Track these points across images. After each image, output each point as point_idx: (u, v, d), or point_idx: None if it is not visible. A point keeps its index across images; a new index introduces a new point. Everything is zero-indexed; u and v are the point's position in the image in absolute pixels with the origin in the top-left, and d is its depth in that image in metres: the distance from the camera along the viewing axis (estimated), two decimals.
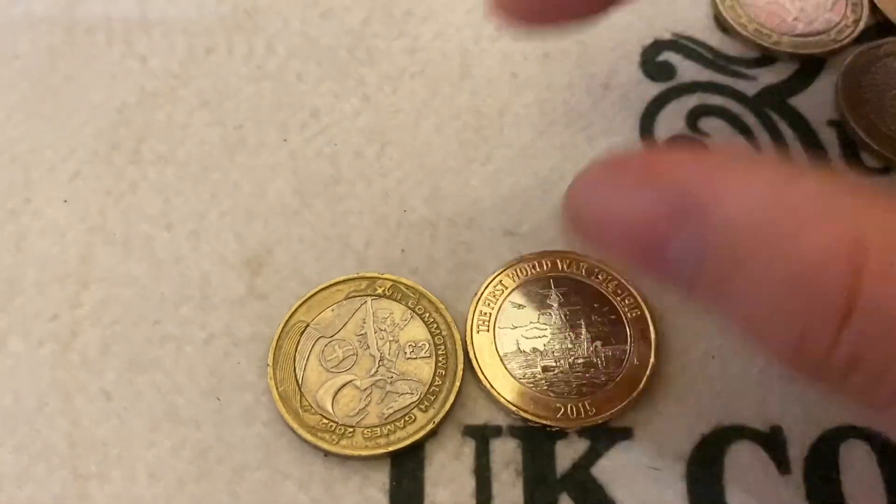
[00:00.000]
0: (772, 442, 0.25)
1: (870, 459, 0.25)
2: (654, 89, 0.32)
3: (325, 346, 0.25)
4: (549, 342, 0.26)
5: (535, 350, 0.26)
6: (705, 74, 0.32)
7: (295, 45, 0.32)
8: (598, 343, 0.26)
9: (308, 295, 0.26)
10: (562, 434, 0.25)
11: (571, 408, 0.25)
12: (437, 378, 0.25)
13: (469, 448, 0.25)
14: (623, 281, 0.27)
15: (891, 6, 0.33)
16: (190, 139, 0.30)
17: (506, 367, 0.25)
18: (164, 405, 0.25)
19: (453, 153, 0.30)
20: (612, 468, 0.24)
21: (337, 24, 0.33)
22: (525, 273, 0.27)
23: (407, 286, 0.26)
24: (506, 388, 0.25)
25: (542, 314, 0.26)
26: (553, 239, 0.28)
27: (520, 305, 0.26)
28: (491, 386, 0.25)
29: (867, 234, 0.16)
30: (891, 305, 0.16)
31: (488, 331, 0.26)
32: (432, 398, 0.25)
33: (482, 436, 0.25)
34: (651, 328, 0.26)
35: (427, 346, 0.25)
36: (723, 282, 0.18)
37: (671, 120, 0.31)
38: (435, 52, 0.32)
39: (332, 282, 0.27)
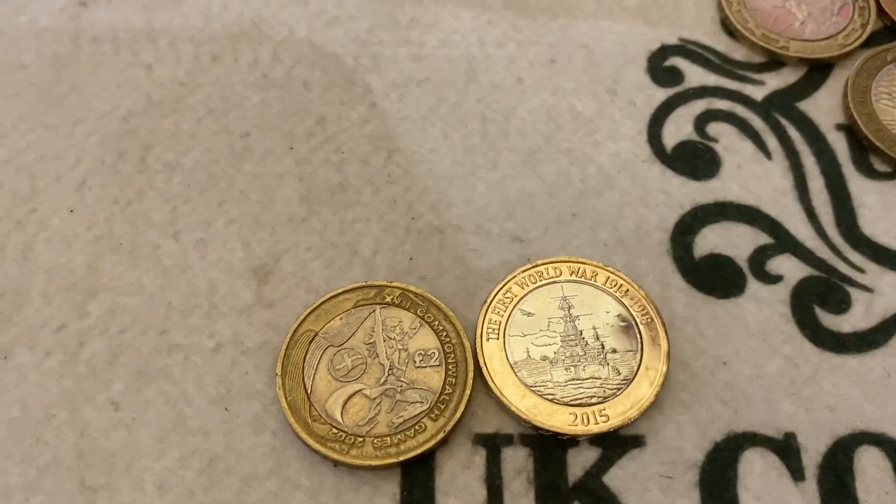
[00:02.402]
0: (785, 449, 0.25)
1: (885, 465, 0.24)
2: (661, 94, 0.32)
3: (334, 355, 0.25)
4: (559, 350, 0.25)
5: (545, 358, 0.25)
6: (713, 79, 0.32)
7: (301, 53, 0.32)
8: (609, 350, 0.25)
9: (316, 304, 0.26)
10: (573, 442, 0.25)
11: (583, 416, 0.24)
12: (447, 386, 0.25)
13: (480, 457, 0.25)
14: (633, 288, 0.26)
15: None
16: (196, 147, 0.30)
17: (516, 376, 0.25)
18: (173, 415, 0.25)
19: (460, 159, 0.30)
20: (624, 476, 0.24)
21: (342, 31, 0.33)
22: (534, 280, 0.27)
23: (416, 294, 0.26)
24: (516, 396, 0.25)
25: (552, 322, 0.26)
26: (562, 245, 0.28)
27: (529, 313, 0.26)
28: (501, 394, 0.25)
29: None
30: None
31: (498, 339, 0.26)
32: (442, 407, 0.24)
33: (493, 444, 0.25)
34: (661, 335, 0.26)
35: (437, 354, 0.25)
36: None
37: (679, 125, 0.31)
38: (441, 58, 0.32)
39: (341, 290, 0.26)
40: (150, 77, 0.31)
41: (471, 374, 0.25)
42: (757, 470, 0.24)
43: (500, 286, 0.27)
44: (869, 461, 0.25)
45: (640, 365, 0.25)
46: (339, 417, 0.24)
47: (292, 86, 0.31)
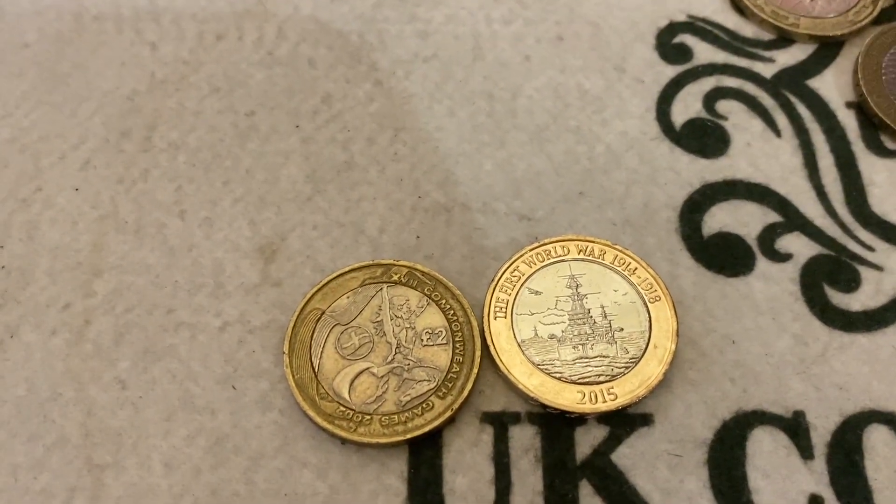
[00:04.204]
0: (794, 427, 0.25)
1: (894, 444, 0.24)
2: (670, 72, 0.31)
3: (341, 333, 0.25)
4: (567, 328, 0.25)
5: (552, 336, 0.25)
6: (722, 56, 0.32)
7: (306, 31, 0.32)
8: (617, 329, 0.25)
9: (323, 282, 0.26)
10: (581, 420, 0.25)
11: (590, 394, 0.24)
12: (454, 365, 0.25)
13: (487, 435, 0.24)
14: (641, 266, 0.26)
15: None
16: (201, 126, 0.30)
17: (524, 354, 0.25)
18: (179, 393, 0.25)
19: (467, 137, 0.30)
20: (633, 454, 0.24)
21: (348, 8, 0.32)
22: (542, 259, 0.27)
23: (423, 273, 0.26)
24: (524, 374, 0.25)
25: (560, 300, 0.26)
26: (569, 223, 0.28)
27: (537, 292, 0.26)
28: (509, 372, 0.25)
29: None
30: None
31: (506, 317, 0.25)
32: (450, 385, 0.24)
33: (500, 422, 0.25)
34: (670, 313, 0.25)
35: (444, 332, 0.25)
36: None
37: (688, 103, 0.31)
38: (447, 35, 0.32)
39: (347, 269, 0.26)
40: (153, 55, 0.31)
41: (478, 353, 0.25)
42: (766, 448, 0.24)
43: (508, 265, 0.26)
44: (878, 439, 0.24)
45: (648, 343, 0.25)
46: (346, 395, 0.24)
47: (297, 64, 0.31)
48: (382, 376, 0.24)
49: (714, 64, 0.31)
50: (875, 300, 0.27)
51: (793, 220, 0.28)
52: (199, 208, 0.28)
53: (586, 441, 0.24)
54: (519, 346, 0.25)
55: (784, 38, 0.32)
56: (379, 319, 0.25)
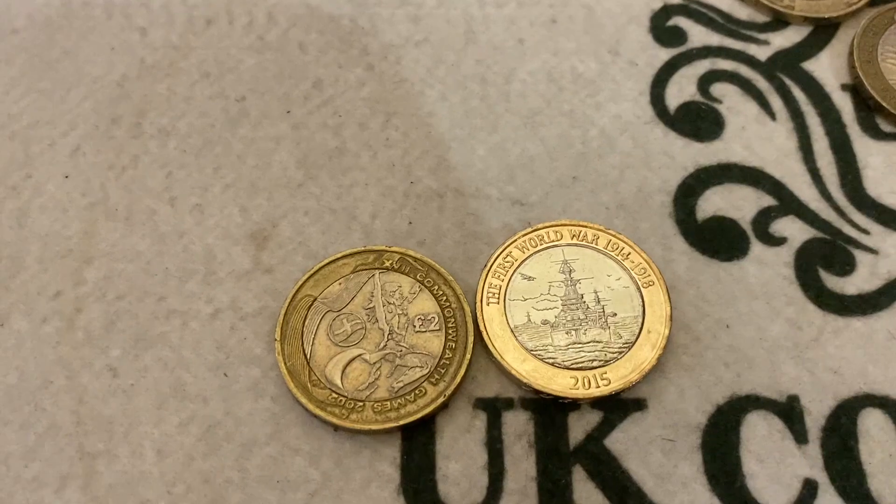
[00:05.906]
0: (788, 412, 0.24)
1: (888, 428, 0.24)
2: (664, 54, 0.31)
3: (333, 320, 0.25)
4: (560, 313, 0.25)
5: (545, 322, 0.25)
6: (716, 39, 0.31)
7: (297, 15, 0.32)
8: (610, 314, 0.25)
9: (315, 269, 0.26)
10: (574, 406, 0.25)
11: (584, 379, 0.24)
12: (447, 351, 0.25)
13: (480, 421, 0.24)
14: (635, 251, 0.26)
15: None
16: (191, 112, 0.29)
17: (517, 339, 0.25)
18: (171, 381, 0.25)
19: (459, 122, 0.29)
20: (626, 440, 0.24)
21: None
22: (535, 244, 0.26)
23: (415, 259, 0.26)
24: (517, 360, 0.24)
25: (553, 285, 0.26)
26: (563, 208, 0.28)
27: (530, 277, 0.26)
28: (502, 358, 0.24)
29: None
30: None
31: (498, 303, 0.25)
32: (443, 371, 0.24)
33: (494, 408, 0.25)
34: (664, 298, 0.25)
35: (436, 318, 0.25)
36: None
37: (682, 86, 0.30)
38: (439, 19, 0.32)
39: (339, 255, 0.26)
40: (143, 41, 0.31)
41: (471, 339, 0.25)
42: (760, 433, 0.24)
43: (501, 250, 0.26)
44: (872, 423, 0.24)
45: (641, 328, 0.25)
46: (338, 382, 0.24)
47: (288, 48, 0.31)
48: (375, 363, 0.24)
49: (708, 46, 0.31)
50: (870, 284, 0.27)
51: (787, 203, 0.28)
52: (190, 195, 0.28)
53: (580, 426, 0.24)
54: (512, 331, 0.25)
55: (779, 21, 0.32)
56: (371, 306, 0.25)
